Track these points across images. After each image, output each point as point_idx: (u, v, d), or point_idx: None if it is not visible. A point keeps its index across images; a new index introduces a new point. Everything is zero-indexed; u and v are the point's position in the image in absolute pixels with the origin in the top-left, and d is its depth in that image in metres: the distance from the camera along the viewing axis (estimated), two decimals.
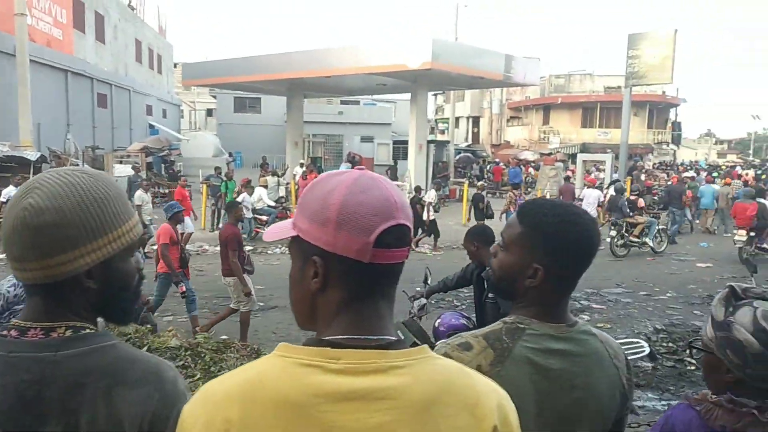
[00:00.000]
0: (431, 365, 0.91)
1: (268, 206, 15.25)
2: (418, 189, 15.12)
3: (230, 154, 29.46)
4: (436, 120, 52.55)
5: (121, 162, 21.72)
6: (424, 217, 14.05)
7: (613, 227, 13.95)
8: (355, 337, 0.90)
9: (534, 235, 1.35)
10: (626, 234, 13.90)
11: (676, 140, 36.68)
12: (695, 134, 62.71)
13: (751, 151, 61.61)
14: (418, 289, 5.41)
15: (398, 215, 0.91)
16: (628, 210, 14.03)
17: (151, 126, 33.24)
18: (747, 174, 27.64)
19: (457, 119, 44.78)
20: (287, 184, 19.21)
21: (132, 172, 17.80)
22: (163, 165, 24.48)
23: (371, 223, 0.89)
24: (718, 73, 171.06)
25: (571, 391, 1.32)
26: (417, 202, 13.92)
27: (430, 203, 14.30)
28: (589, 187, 16.96)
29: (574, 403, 1.32)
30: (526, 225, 1.37)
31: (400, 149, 34.02)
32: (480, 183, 18.44)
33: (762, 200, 13.69)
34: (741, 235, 13.05)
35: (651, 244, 13.91)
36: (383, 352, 0.88)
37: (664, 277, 11.37)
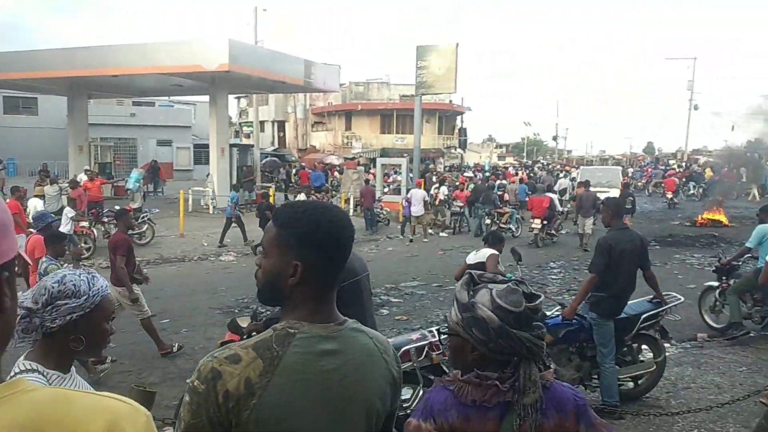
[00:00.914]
0: (12, 405, 0.82)
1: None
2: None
3: (0, 162, 25.87)
4: (240, 123, 51.41)
5: None
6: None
7: (488, 216, 16.73)
8: None
9: (287, 234, 1.37)
10: (497, 221, 16.64)
11: (463, 145, 40.12)
12: (479, 139, 69.15)
13: (525, 154, 69.89)
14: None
15: None
16: (498, 202, 17.22)
17: None
18: (521, 173, 31.47)
19: (262, 123, 44.31)
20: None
21: None
22: None
23: None
24: (496, 84, 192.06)
25: (346, 390, 1.35)
26: (267, 208, 13.29)
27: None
28: (415, 187, 18.35)
29: (351, 399, 1.35)
30: (279, 225, 1.39)
31: (201, 153, 32.67)
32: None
33: (551, 194, 16.75)
34: (536, 223, 15.22)
35: (513, 228, 16.76)
36: None
37: (454, 269, 12.37)
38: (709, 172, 31.56)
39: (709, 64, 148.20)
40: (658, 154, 61.45)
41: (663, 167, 38.58)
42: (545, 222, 15.33)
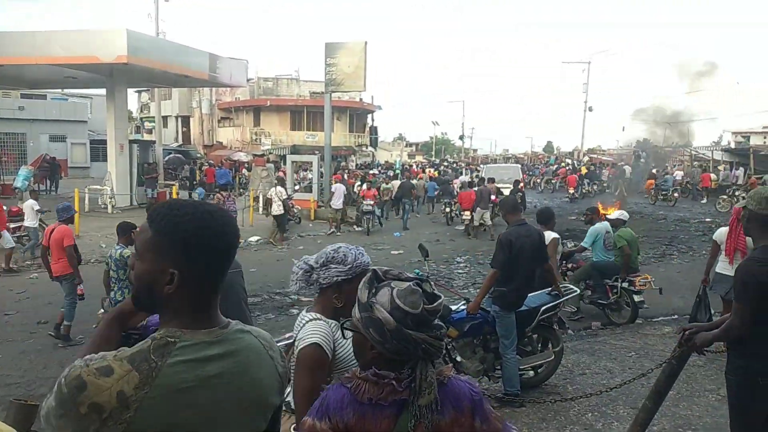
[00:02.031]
0: None
1: None
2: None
3: None
4: (141, 119, 49.10)
5: None
6: (275, 212, 15.80)
7: (446, 206, 19.59)
8: None
9: (165, 239, 1.29)
10: (455, 210, 18.52)
11: (374, 143, 40.48)
12: (390, 138, 69.86)
13: (433, 152, 71.41)
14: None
15: None
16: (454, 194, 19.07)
17: None
18: (429, 171, 32.27)
19: (165, 118, 42.50)
20: None
21: None
22: None
23: None
24: (406, 84, 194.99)
25: (236, 393, 1.32)
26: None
27: (279, 198, 15.94)
28: (337, 182, 19.31)
29: (243, 401, 1.34)
30: (156, 229, 1.31)
31: (99, 149, 30.83)
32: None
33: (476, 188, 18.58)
34: (466, 215, 17.26)
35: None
36: None
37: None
38: (584, 169, 33.83)
39: (602, 68, 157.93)
40: (556, 152, 64.68)
41: (557, 165, 40.81)
42: (473, 213, 17.13)
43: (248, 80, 45.44)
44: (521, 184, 20.93)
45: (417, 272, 5.78)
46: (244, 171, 30.59)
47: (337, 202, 17.83)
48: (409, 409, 1.49)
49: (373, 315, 1.53)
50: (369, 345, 1.57)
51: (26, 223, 12.82)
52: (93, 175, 30.85)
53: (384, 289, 1.58)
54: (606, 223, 8.54)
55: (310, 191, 21.26)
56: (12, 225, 12.77)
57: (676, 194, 25.35)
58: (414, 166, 38.63)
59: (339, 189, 18.19)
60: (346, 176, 24.12)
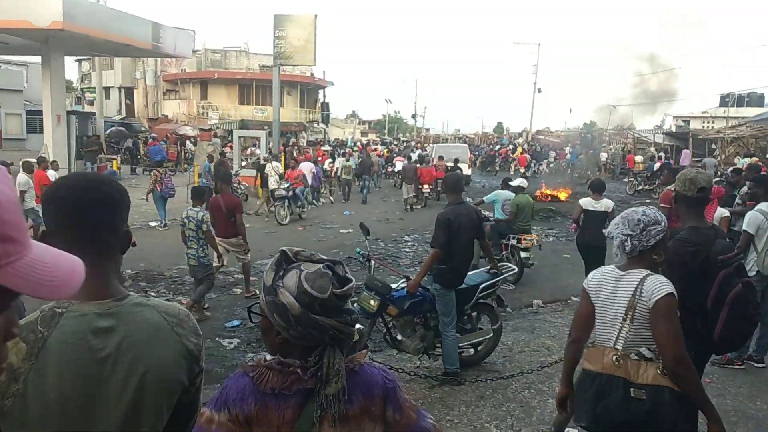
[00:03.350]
0: None
1: None
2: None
3: None
4: (82, 89, 47.02)
5: None
6: (272, 187, 15.76)
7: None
8: None
9: (48, 209, 1.33)
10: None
11: (326, 119, 40.07)
12: (343, 114, 69.31)
13: (386, 131, 71.26)
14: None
15: None
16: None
17: None
18: (378, 148, 32.30)
19: (107, 89, 40.87)
20: None
21: None
22: None
23: None
24: (359, 59, 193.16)
25: (125, 367, 1.27)
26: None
27: (275, 172, 16.17)
28: (304, 161, 19.50)
29: (130, 378, 1.28)
30: (43, 200, 1.35)
31: (36, 120, 29.36)
32: None
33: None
34: (426, 188, 18.67)
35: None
36: None
37: (312, 244, 12.29)
38: (520, 150, 34.55)
39: (552, 50, 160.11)
40: (506, 133, 65.53)
41: (498, 146, 41.49)
42: (431, 187, 18.61)
43: (195, 52, 44.08)
44: (468, 163, 22.29)
45: (358, 251, 5.72)
46: (189, 145, 29.75)
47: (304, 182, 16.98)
48: (314, 399, 1.41)
49: (278, 299, 1.44)
50: (275, 331, 1.48)
51: None
52: (29, 147, 29.37)
53: (292, 271, 1.48)
54: (507, 192, 9.97)
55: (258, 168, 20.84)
56: None
57: (594, 174, 26.04)
58: (370, 144, 38.55)
59: (305, 167, 17.56)
60: (313, 153, 23.77)
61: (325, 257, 1.53)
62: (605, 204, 7.85)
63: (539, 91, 47.74)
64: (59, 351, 1.22)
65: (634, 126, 41.73)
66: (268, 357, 1.49)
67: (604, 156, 31.57)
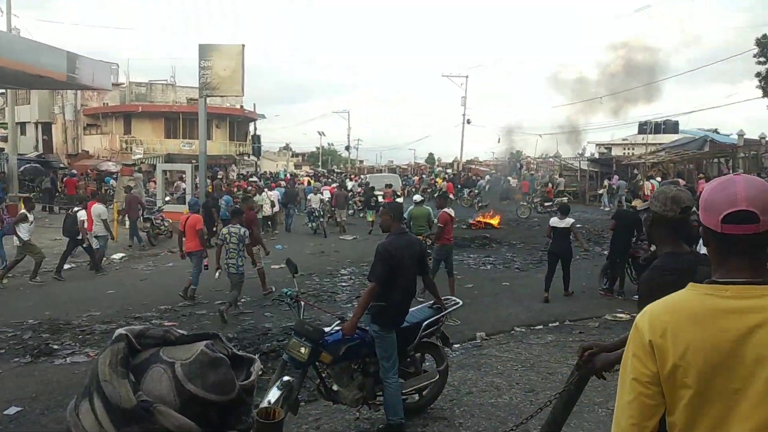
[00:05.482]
0: None
1: None
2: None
3: None
4: None
5: None
6: (266, 213, 17.92)
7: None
8: (736, 279, 1.47)
9: None
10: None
11: (257, 152, 39.03)
12: (276, 147, 68.21)
13: (320, 163, 70.68)
14: None
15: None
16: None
17: None
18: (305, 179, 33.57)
19: (22, 125, 38.53)
20: None
21: None
22: None
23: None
24: (290, 92, 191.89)
25: None
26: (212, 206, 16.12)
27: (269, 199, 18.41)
28: (270, 189, 21.05)
29: None
30: None
31: None
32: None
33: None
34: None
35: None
36: (758, 288, 1.44)
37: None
38: (440, 180, 35.67)
39: (478, 82, 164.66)
40: (438, 163, 66.25)
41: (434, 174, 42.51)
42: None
43: (118, 85, 42.46)
44: (399, 192, 23.40)
45: (286, 291, 5.10)
46: (112, 182, 28.21)
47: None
48: None
49: (158, 426, 0.86)
50: None
51: None
52: None
53: (155, 369, 0.92)
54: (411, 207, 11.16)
55: (184, 202, 19.80)
56: None
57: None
58: (297, 176, 38.14)
59: (268, 197, 18.87)
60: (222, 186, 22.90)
61: (182, 331, 0.97)
62: (567, 221, 10.11)
63: (468, 121, 48.59)
64: None
65: (559, 154, 43.04)
66: None
67: (514, 182, 33.07)
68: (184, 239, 10.17)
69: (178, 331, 1.01)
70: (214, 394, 0.90)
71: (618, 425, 1.52)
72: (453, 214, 10.50)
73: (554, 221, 10.30)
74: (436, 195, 17.94)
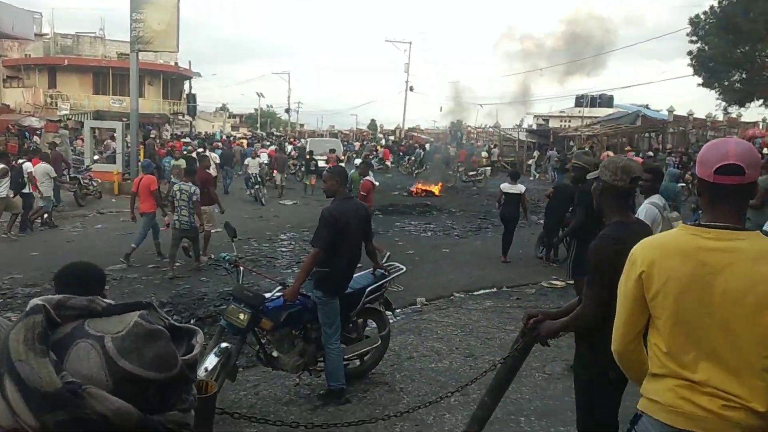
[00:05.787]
0: (761, 241, 1.76)
1: None
2: None
3: None
4: None
5: None
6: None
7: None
8: (718, 223, 1.79)
9: None
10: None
11: (192, 112, 37.52)
12: (212, 108, 65.89)
13: (258, 125, 68.97)
14: None
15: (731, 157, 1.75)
16: None
17: None
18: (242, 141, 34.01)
19: None
20: None
21: None
22: None
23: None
24: (228, 51, 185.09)
25: None
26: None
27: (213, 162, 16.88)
28: (254, 157, 20.80)
29: None
30: None
31: None
32: None
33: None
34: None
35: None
36: (734, 232, 1.76)
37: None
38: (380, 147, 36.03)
39: (421, 49, 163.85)
40: (380, 130, 65.92)
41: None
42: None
43: (42, 35, 39.83)
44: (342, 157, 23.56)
45: (223, 255, 4.91)
46: (36, 138, 26.59)
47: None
48: None
49: (89, 412, 0.73)
50: None
51: None
52: None
53: (81, 344, 0.78)
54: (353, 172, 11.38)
55: (114, 162, 18.91)
56: None
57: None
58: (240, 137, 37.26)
59: (253, 165, 19.10)
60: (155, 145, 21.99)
61: (110, 300, 0.84)
62: (519, 188, 10.28)
63: (411, 89, 48.41)
64: None
65: (499, 124, 43.64)
66: None
67: (453, 151, 33.34)
68: (138, 200, 9.96)
69: (105, 300, 0.87)
70: (153, 371, 0.79)
71: (617, 329, 1.99)
72: (375, 181, 10.77)
73: (505, 186, 10.37)
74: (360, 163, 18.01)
